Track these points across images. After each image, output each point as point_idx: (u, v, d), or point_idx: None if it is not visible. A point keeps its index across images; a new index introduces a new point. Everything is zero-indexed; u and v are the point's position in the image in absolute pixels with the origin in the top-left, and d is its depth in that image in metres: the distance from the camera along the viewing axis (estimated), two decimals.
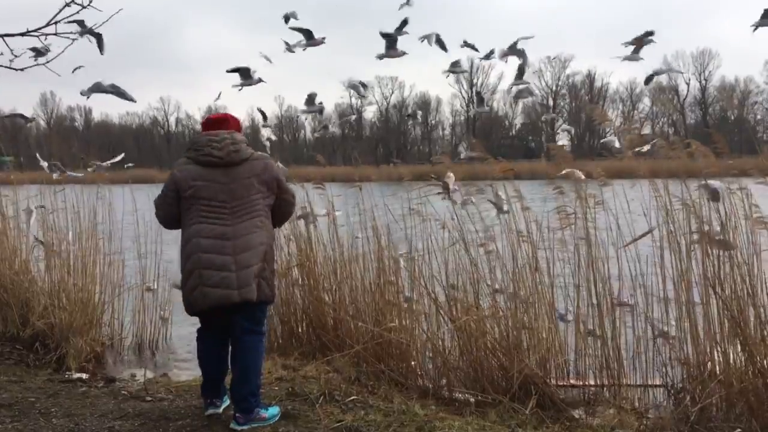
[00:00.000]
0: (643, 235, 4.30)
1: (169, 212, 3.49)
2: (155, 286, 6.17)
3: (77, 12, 3.37)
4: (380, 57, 5.43)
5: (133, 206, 6.43)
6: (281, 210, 3.61)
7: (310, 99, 5.94)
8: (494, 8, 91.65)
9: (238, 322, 3.41)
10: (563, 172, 4.60)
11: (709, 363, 3.88)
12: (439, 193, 4.70)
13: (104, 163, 6.51)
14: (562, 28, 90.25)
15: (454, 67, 5.67)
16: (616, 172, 4.86)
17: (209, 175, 3.37)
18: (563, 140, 63.22)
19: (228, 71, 5.53)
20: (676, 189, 4.18)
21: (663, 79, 62.91)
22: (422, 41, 5.38)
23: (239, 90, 5.60)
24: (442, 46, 5.39)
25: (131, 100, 5.05)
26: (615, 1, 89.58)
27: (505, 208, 4.60)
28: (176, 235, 3.57)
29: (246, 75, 5.52)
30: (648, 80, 5.74)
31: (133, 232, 6.36)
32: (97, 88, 4.98)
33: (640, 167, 4.47)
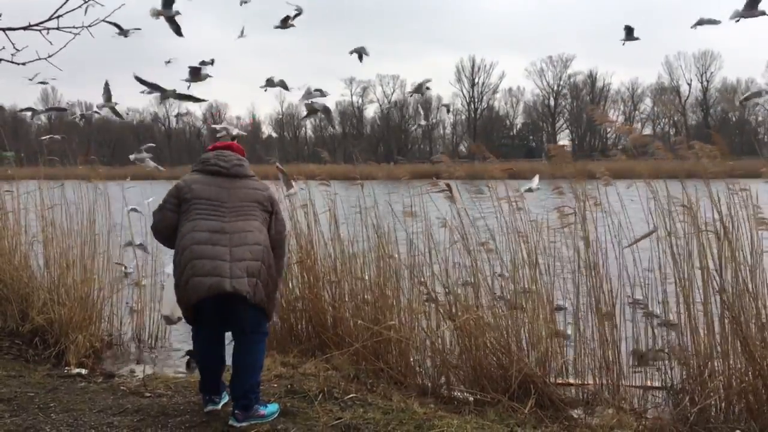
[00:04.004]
0: (646, 236, 4.30)
1: (167, 218, 3.50)
2: (144, 282, 6.20)
3: (79, 6, 3.36)
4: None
5: (128, 202, 6.45)
6: (271, 238, 3.52)
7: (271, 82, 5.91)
8: (475, 8, 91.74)
9: (239, 322, 3.41)
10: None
11: (709, 363, 3.88)
12: (443, 191, 4.69)
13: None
14: (545, 29, 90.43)
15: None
16: (617, 173, 4.84)
17: (212, 180, 3.52)
18: (564, 140, 63.29)
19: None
20: (676, 190, 4.18)
21: (665, 79, 62.89)
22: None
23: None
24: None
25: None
26: (601, 3, 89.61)
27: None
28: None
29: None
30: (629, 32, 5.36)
31: (131, 228, 6.37)
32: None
33: (639, 167, 4.47)
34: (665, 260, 4.18)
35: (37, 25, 3.29)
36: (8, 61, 3.40)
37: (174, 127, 71.77)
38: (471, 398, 4.10)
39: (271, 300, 3.49)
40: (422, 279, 4.75)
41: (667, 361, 4.13)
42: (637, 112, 63.99)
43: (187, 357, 5.08)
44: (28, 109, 7.57)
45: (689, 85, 63.74)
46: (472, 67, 67.54)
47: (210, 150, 3.75)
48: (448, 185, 4.72)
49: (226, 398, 3.65)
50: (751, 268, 3.86)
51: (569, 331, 4.52)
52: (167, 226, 3.51)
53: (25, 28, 3.33)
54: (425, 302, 4.74)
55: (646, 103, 65.26)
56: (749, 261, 3.89)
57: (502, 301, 4.49)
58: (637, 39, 5.22)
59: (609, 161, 5.28)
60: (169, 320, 5.35)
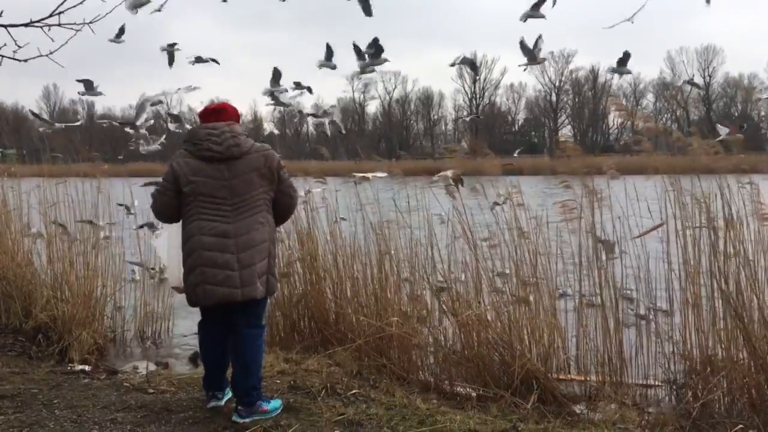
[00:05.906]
0: (654, 228, 4.29)
1: (169, 204, 3.44)
2: (138, 277, 6.20)
3: (81, 2, 3.36)
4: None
5: (131, 200, 6.46)
6: (281, 204, 3.52)
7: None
8: (475, 7, 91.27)
9: (238, 317, 3.42)
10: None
11: (712, 358, 3.87)
12: (448, 186, 4.68)
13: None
14: (546, 26, 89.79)
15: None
16: (624, 168, 4.82)
17: (208, 170, 3.32)
18: (566, 135, 63.16)
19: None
20: (685, 184, 4.17)
21: (667, 75, 62.72)
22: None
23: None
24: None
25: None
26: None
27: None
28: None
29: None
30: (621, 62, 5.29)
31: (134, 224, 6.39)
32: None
33: (648, 162, 4.45)
34: (669, 254, 4.18)
35: (38, 21, 3.29)
36: (10, 57, 3.40)
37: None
38: (473, 394, 4.10)
39: (276, 278, 3.53)
40: (424, 274, 4.75)
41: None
42: (639, 107, 63.83)
43: (194, 352, 5.07)
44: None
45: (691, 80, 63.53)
46: (474, 60, 67.23)
47: (201, 117, 3.51)
48: (459, 177, 4.68)
49: (229, 394, 3.65)
50: (754, 263, 3.86)
51: (570, 328, 4.52)
52: (171, 208, 3.45)
53: (26, 25, 3.33)
54: (426, 297, 4.73)
55: (648, 99, 65.18)
56: (752, 255, 3.88)
57: (505, 297, 4.49)
58: (629, 72, 5.17)
59: (612, 156, 5.25)
60: (179, 290, 5.13)
